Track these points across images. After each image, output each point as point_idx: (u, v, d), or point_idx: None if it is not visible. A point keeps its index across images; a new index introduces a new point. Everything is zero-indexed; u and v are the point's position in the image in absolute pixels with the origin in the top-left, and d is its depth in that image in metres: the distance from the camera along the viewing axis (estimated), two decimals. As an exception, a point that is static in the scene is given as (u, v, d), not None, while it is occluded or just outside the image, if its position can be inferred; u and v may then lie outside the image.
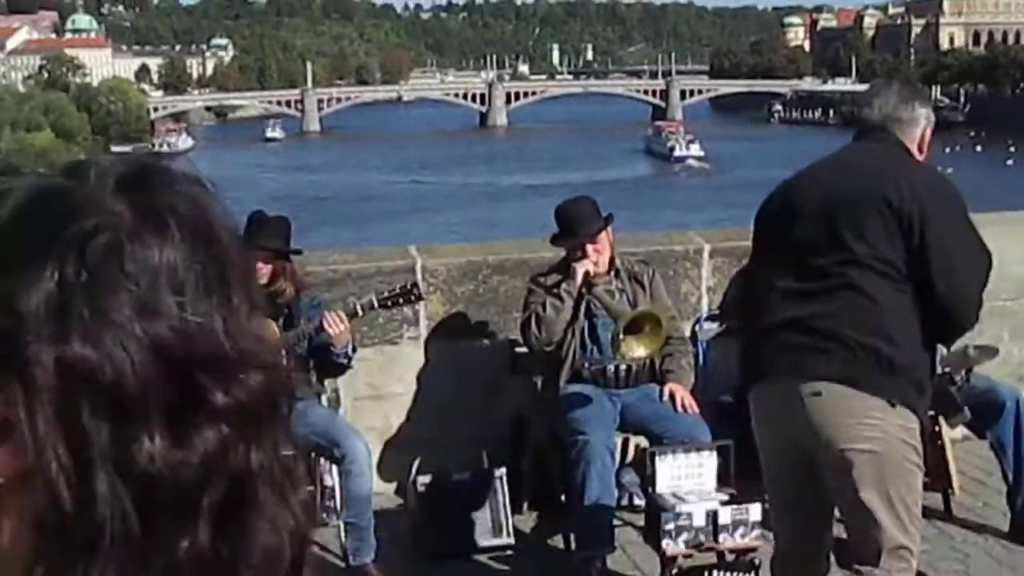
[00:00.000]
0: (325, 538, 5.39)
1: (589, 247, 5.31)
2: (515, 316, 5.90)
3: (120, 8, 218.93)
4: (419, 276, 5.94)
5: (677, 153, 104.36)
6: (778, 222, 3.87)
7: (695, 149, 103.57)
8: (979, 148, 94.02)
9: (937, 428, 5.61)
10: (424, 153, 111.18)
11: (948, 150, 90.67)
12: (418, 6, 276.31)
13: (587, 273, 5.26)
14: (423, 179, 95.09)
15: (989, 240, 6.10)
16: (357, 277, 5.86)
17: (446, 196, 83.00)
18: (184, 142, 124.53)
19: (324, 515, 5.48)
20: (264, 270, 5.20)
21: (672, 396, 5.28)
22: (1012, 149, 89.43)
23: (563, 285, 5.28)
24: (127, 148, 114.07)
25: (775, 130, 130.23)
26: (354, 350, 5.36)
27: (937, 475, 5.66)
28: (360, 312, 5.27)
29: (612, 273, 5.42)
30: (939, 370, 5.12)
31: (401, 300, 5.39)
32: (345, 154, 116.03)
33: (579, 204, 5.55)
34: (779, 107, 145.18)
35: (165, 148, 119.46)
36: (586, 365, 5.30)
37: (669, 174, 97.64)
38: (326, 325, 5.14)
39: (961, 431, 5.71)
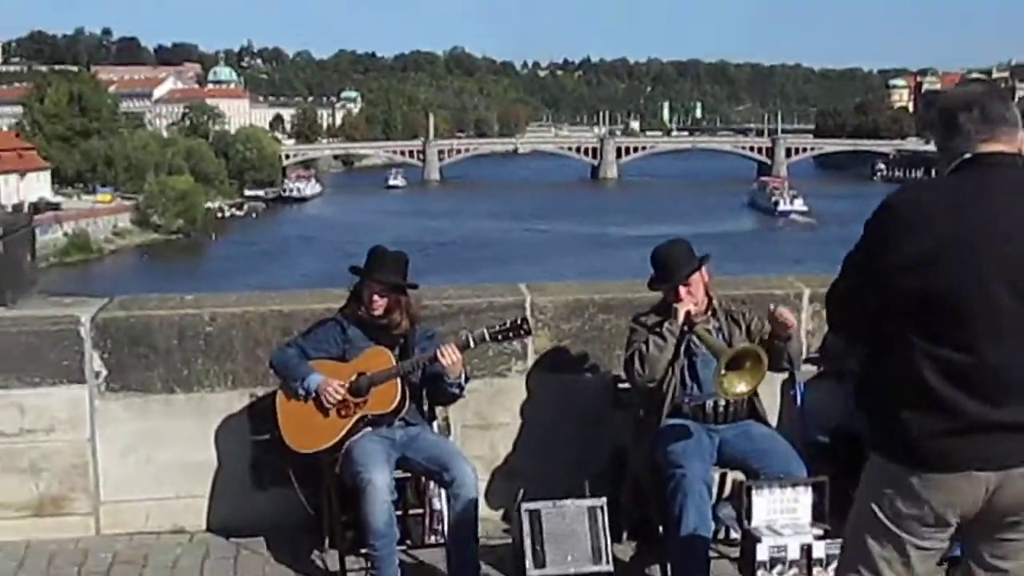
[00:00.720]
0: (432, 559, 5.44)
1: (682, 290, 5.27)
2: (618, 353, 5.89)
3: (258, 61, 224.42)
4: (528, 312, 5.97)
5: (781, 208, 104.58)
6: (943, 269, 3.12)
7: (799, 204, 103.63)
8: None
9: None
10: (537, 203, 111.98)
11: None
12: (536, 64, 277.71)
13: (688, 313, 5.24)
14: (536, 227, 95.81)
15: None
16: (470, 311, 5.90)
17: (557, 244, 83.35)
18: (312, 188, 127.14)
19: (432, 537, 5.53)
20: (380, 302, 5.26)
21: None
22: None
23: (665, 325, 5.24)
24: (260, 192, 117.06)
25: (878, 188, 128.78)
26: (466, 380, 5.39)
27: None
28: (472, 344, 5.30)
29: (709, 312, 5.38)
30: None
31: (511, 334, 5.40)
32: (463, 202, 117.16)
33: (673, 247, 5.49)
34: (882, 166, 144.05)
35: (295, 193, 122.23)
36: (686, 400, 5.27)
37: (773, 228, 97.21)
38: (440, 356, 5.18)
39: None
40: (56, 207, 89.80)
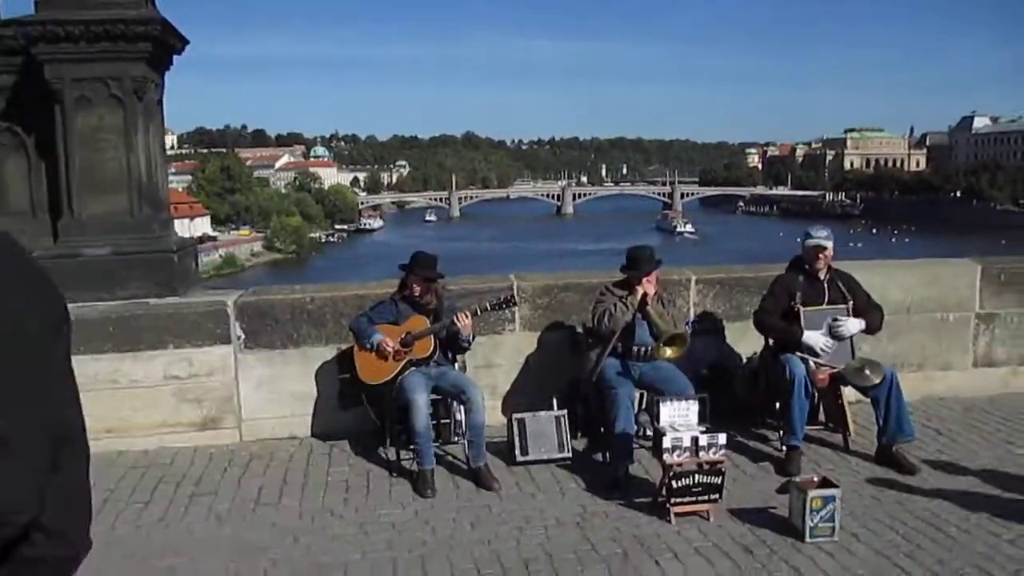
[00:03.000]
0: (455, 451, 5.37)
1: (644, 278, 5.15)
2: (574, 318, 5.84)
3: (342, 143, 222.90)
4: (515, 292, 5.90)
5: (678, 229, 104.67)
6: None
7: (689, 227, 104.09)
8: (874, 231, 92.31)
9: (839, 392, 5.45)
10: (521, 230, 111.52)
11: (852, 231, 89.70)
12: (520, 141, 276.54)
13: (644, 295, 5.12)
14: (520, 244, 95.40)
15: (879, 278, 6.01)
16: (476, 292, 5.81)
17: (533, 255, 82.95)
18: (377, 222, 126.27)
19: (456, 437, 5.47)
20: (419, 288, 5.20)
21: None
22: (896, 232, 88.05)
23: (628, 297, 5.10)
24: (344, 226, 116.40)
25: (739, 218, 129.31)
26: (473, 337, 5.31)
27: (840, 423, 5.50)
28: (478, 312, 5.23)
29: (655, 296, 5.22)
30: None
31: (503, 306, 5.34)
32: (474, 230, 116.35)
33: (643, 249, 5.32)
34: (741, 204, 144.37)
35: (366, 226, 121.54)
36: (619, 346, 5.17)
37: (673, 243, 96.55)
38: (456, 320, 5.12)
39: (856, 395, 5.49)
40: (214, 239, 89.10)
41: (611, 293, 5.20)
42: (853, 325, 5.18)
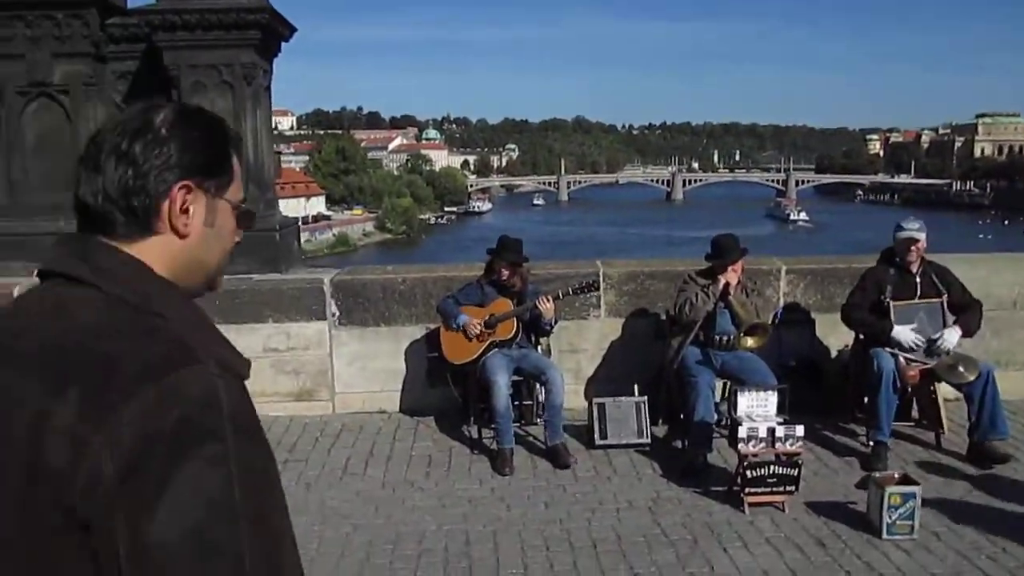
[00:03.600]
0: (535, 432, 5.47)
1: (730, 267, 5.12)
2: (661, 304, 5.82)
3: (454, 126, 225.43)
4: (601, 278, 5.94)
5: (792, 217, 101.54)
6: None
7: (803, 216, 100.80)
8: (1006, 222, 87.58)
9: (933, 388, 5.28)
10: (629, 215, 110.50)
11: (981, 222, 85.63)
12: (631, 126, 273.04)
13: (727, 283, 5.09)
14: (627, 230, 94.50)
15: (982, 271, 5.79)
16: (562, 277, 5.88)
17: (640, 241, 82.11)
18: (486, 205, 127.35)
19: (537, 418, 5.57)
20: (505, 272, 5.31)
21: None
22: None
23: (711, 287, 5.09)
24: (454, 208, 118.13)
25: (857, 207, 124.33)
26: (556, 322, 5.39)
27: (934, 419, 5.33)
28: (560, 296, 5.30)
29: (739, 286, 5.18)
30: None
31: (584, 290, 5.39)
32: (581, 215, 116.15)
33: (728, 238, 5.26)
34: (860, 192, 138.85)
35: (475, 209, 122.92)
36: (701, 334, 5.16)
37: (785, 231, 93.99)
38: (539, 304, 5.21)
39: (953, 393, 5.29)
40: (328, 218, 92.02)
41: (694, 282, 5.18)
42: (952, 338, 4.99)
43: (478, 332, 5.24)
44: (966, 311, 5.10)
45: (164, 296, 1.09)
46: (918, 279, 5.14)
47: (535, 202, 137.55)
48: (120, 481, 0.92)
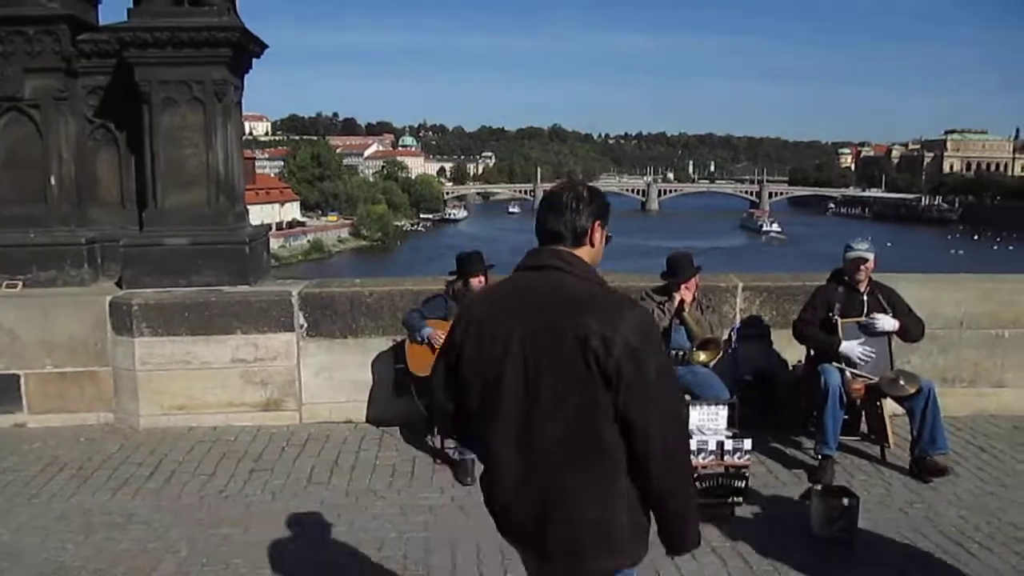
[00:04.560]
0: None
1: (683, 285, 5.30)
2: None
3: (430, 133, 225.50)
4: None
5: (765, 228, 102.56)
6: None
7: (776, 227, 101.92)
8: (975, 237, 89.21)
9: (879, 403, 5.49)
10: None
11: (950, 237, 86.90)
12: (607, 135, 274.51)
13: (682, 300, 5.27)
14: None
15: (929, 291, 6.02)
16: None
17: (615, 251, 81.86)
18: (462, 213, 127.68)
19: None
20: (479, 281, 5.45)
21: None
22: (998, 238, 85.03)
23: (667, 303, 5.29)
24: (429, 215, 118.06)
25: (829, 219, 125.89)
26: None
27: (880, 434, 5.53)
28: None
29: (694, 303, 5.38)
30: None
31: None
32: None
33: (683, 256, 5.45)
34: (832, 205, 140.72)
35: (451, 216, 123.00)
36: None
37: (758, 242, 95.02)
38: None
39: (899, 409, 5.49)
40: (303, 224, 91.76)
41: (651, 299, 5.35)
42: (887, 323, 5.23)
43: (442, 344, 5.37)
44: (910, 323, 5.33)
45: (595, 274, 2.32)
46: (865, 298, 5.36)
47: (511, 210, 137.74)
48: (626, 355, 2.11)
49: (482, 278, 5.47)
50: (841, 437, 5.31)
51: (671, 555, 2.41)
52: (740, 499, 4.51)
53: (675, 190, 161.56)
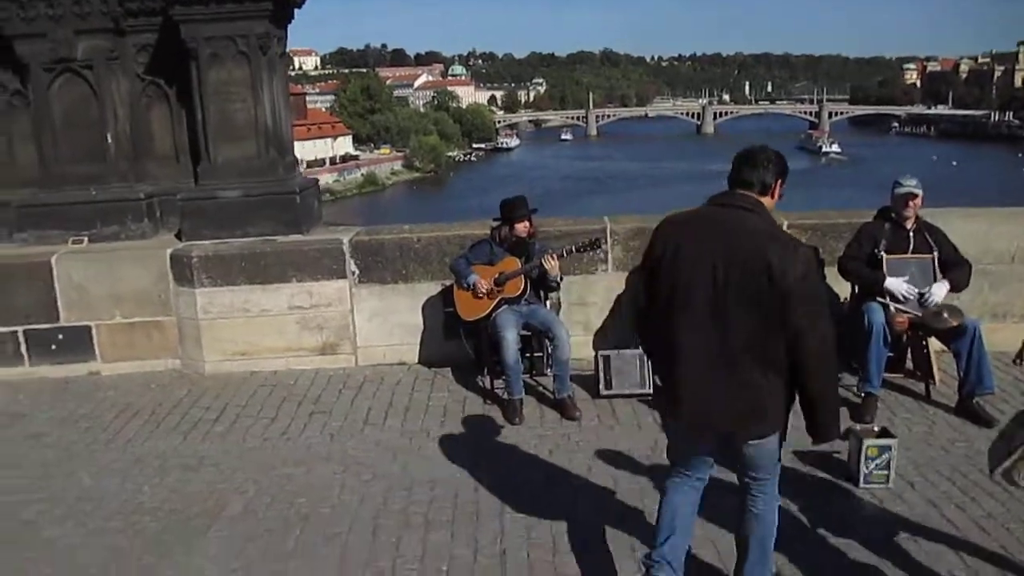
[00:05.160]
0: (546, 383, 5.79)
1: None
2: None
3: (480, 61, 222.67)
4: (607, 234, 6.18)
5: (824, 149, 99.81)
6: None
7: (835, 148, 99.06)
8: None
9: (925, 341, 5.50)
10: (659, 149, 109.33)
11: (1021, 155, 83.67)
12: (660, 57, 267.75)
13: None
14: (658, 165, 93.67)
15: (982, 224, 5.93)
16: (570, 234, 6.08)
17: (670, 176, 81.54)
18: (514, 141, 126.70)
19: (547, 369, 5.85)
20: (523, 227, 5.57)
21: None
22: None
23: None
24: (481, 145, 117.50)
25: (893, 139, 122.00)
26: (561, 278, 5.66)
27: (924, 371, 5.55)
28: (565, 254, 5.56)
29: None
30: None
31: (589, 248, 5.64)
32: (611, 150, 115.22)
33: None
34: (896, 124, 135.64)
35: (503, 145, 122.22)
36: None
37: (818, 164, 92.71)
38: (544, 262, 5.48)
39: (941, 345, 5.50)
40: (356, 158, 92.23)
41: None
42: (940, 291, 5.20)
43: (487, 290, 5.53)
44: (955, 268, 5.29)
45: (771, 218, 3.01)
46: (912, 235, 5.33)
47: (563, 137, 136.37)
48: (799, 279, 2.77)
49: (526, 223, 5.58)
50: (886, 374, 5.37)
51: (817, 443, 3.08)
52: (781, 437, 4.60)
53: (731, 112, 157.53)
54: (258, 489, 4.51)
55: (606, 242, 6.09)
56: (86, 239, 6.66)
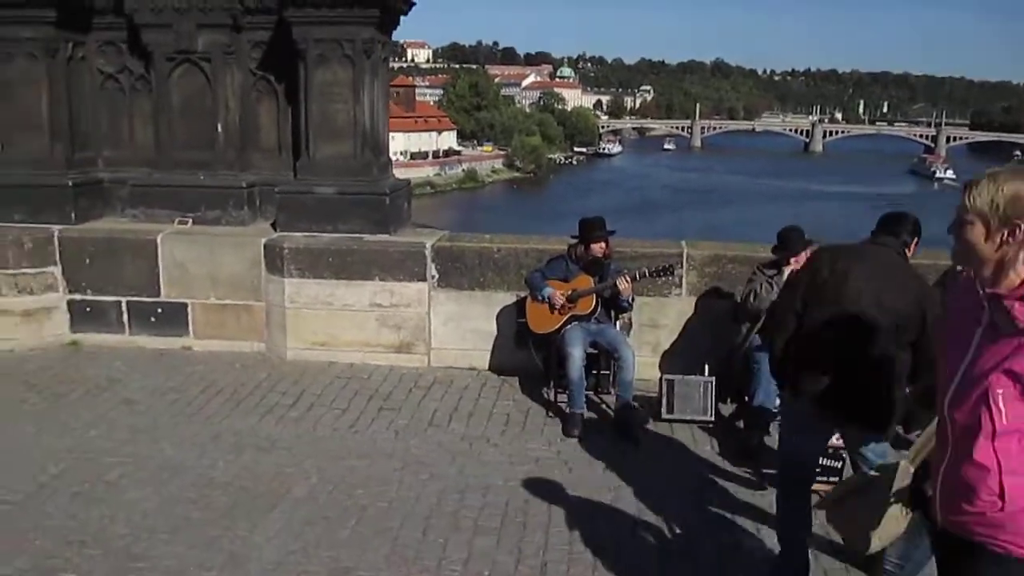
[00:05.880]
0: (608, 400, 5.87)
1: (792, 259, 5.33)
2: (738, 289, 6.01)
3: (588, 64, 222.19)
4: (684, 259, 6.20)
5: (938, 175, 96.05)
6: None
7: (950, 173, 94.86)
8: None
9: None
10: (763, 165, 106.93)
11: None
12: (772, 71, 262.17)
13: (791, 274, 5.29)
14: (759, 181, 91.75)
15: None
16: (645, 255, 6.15)
17: (772, 194, 79.74)
18: (616, 147, 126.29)
19: (612, 387, 5.92)
20: (599, 248, 5.67)
21: None
22: None
23: (775, 277, 5.35)
24: (583, 149, 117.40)
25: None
26: (633, 300, 5.72)
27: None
28: (638, 277, 5.63)
29: None
30: None
31: (663, 273, 5.70)
32: (713, 162, 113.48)
33: (794, 231, 5.50)
34: (1018, 152, 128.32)
35: (605, 151, 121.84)
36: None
37: (929, 190, 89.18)
38: (619, 283, 5.56)
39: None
40: (458, 153, 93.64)
41: (761, 272, 5.41)
42: None
43: (560, 305, 5.64)
44: None
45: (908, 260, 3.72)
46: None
47: (666, 146, 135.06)
48: (930, 309, 3.38)
49: (603, 243, 5.67)
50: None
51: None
52: (837, 478, 4.57)
53: (842, 131, 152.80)
54: (322, 477, 4.74)
55: (681, 267, 6.13)
56: (190, 221, 7.05)
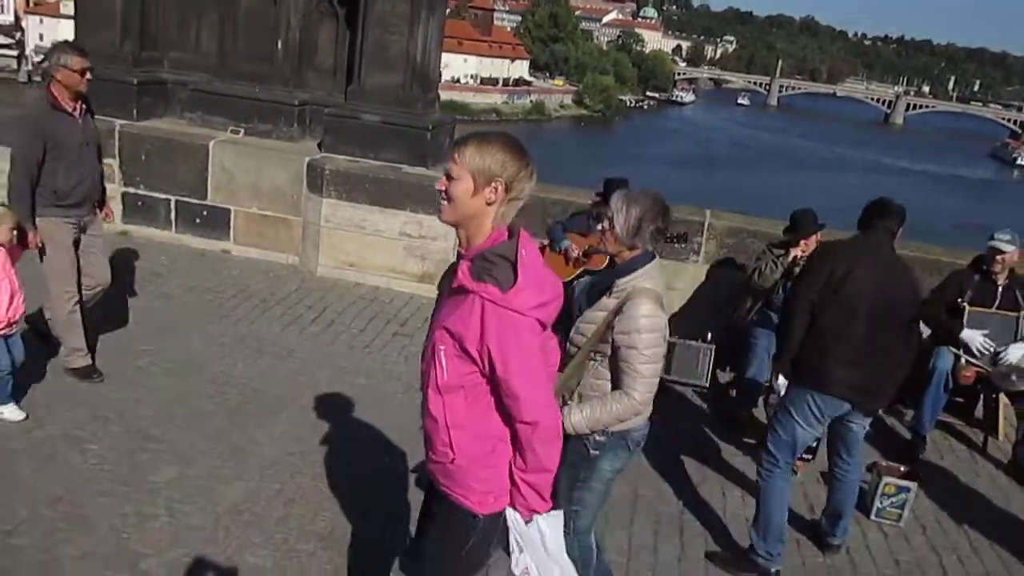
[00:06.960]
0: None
1: (802, 241, 5.45)
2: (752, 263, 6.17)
3: (673, 7, 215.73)
4: (705, 228, 6.34)
5: (1018, 161, 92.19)
6: None
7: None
8: None
9: (995, 395, 5.47)
10: (837, 132, 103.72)
11: None
12: (864, 35, 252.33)
13: (795, 257, 5.43)
14: (831, 148, 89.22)
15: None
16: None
17: (843, 163, 77.68)
18: (689, 96, 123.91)
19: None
20: None
21: None
22: None
23: (781, 258, 5.47)
24: (656, 95, 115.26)
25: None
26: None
27: (988, 424, 5.54)
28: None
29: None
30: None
31: (676, 240, 5.84)
32: (786, 123, 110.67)
33: (805, 213, 5.55)
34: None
35: (678, 99, 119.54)
36: (769, 301, 5.51)
37: (1007, 177, 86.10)
38: (634, 244, 5.72)
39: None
40: (529, 84, 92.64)
41: (770, 252, 5.55)
42: (1016, 353, 5.16)
43: (575, 257, 5.86)
44: None
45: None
46: (1001, 290, 5.28)
47: (740, 101, 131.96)
48: (920, 292, 4.06)
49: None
50: (952, 419, 5.48)
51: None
52: (811, 456, 4.79)
53: (926, 106, 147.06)
54: (330, 389, 5.10)
55: (701, 235, 6.28)
56: (243, 131, 7.37)
